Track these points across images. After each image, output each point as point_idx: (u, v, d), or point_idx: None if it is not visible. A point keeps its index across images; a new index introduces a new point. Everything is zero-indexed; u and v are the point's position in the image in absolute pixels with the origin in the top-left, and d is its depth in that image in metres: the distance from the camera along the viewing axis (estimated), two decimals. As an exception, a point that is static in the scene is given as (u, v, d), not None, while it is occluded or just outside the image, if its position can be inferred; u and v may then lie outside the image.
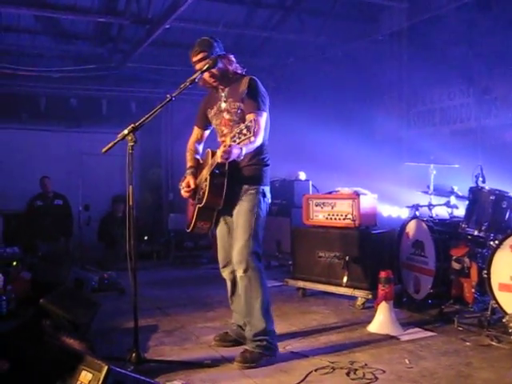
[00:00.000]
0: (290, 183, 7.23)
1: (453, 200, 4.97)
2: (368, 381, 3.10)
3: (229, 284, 3.74)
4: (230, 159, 3.14)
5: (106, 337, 4.06)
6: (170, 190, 10.31)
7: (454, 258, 4.46)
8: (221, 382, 3.13)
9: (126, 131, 3.17)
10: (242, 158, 3.16)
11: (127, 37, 8.09)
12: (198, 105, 3.86)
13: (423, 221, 4.84)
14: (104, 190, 8.93)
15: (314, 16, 7.91)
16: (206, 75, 3.46)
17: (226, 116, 3.54)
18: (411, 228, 4.96)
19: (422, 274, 4.75)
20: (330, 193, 5.52)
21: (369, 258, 4.93)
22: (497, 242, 4.03)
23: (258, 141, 3.28)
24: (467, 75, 6.64)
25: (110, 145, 3.17)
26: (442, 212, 5.15)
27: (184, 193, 3.63)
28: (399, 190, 6.40)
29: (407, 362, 3.41)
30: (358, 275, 4.95)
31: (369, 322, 4.24)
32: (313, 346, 3.77)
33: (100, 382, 2.46)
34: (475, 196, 4.39)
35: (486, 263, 4.08)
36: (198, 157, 3.78)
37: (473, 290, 4.33)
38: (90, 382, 2.49)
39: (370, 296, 4.76)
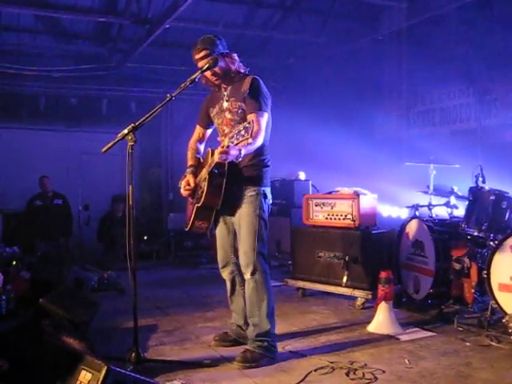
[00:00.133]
0: (290, 183, 7.24)
1: (453, 200, 4.96)
2: (367, 381, 3.10)
3: (228, 284, 3.74)
4: (228, 160, 3.13)
5: (105, 336, 4.05)
6: (169, 190, 10.31)
7: (454, 258, 4.46)
8: (220, 382, 3.12)
9: (125, 131, 3.16)
10: (241, 159, 3.13)
11: (127, 37, 8.09)
12: (197, 105, 3.86)
13: (423, 221, 4.84)
14: (104, 189, 8.90)
15: (314, 16, 7.91)
16: (208, 73, 3.44)
17: (228, 115, 3.52)
18: (411, 228, 4.96)
19: (422, 274, 4.75)
20: (329, 193, 5.51)
21: (369, 258, 4.93)
22: (497, 242, 4.03)
23: (258, 142, 3.27)
24: (467, 75, 6.64)
25: (109, 144, 3.17)
26: (441, 212, 5.15)
27: (183, 191, 3.62)
28: (399, 190, 6.40)
29: (407, 362, 3.41)
30: (357, 275, 4.95)
31: (368, 322, 4.24)
32: (312, 346, 3.77)
33: (99, 381, 2.46)
34: (475, 196, 4.38)
35: (485, 263, 4.07)
36: (198, 156, 3.76)
37: (472, 291, 4.32)
38: (89, 381, 2.49)
39: (369, 296, 4.76)
